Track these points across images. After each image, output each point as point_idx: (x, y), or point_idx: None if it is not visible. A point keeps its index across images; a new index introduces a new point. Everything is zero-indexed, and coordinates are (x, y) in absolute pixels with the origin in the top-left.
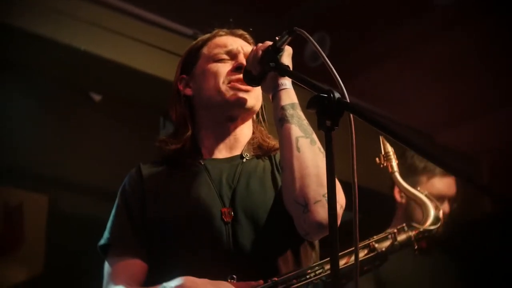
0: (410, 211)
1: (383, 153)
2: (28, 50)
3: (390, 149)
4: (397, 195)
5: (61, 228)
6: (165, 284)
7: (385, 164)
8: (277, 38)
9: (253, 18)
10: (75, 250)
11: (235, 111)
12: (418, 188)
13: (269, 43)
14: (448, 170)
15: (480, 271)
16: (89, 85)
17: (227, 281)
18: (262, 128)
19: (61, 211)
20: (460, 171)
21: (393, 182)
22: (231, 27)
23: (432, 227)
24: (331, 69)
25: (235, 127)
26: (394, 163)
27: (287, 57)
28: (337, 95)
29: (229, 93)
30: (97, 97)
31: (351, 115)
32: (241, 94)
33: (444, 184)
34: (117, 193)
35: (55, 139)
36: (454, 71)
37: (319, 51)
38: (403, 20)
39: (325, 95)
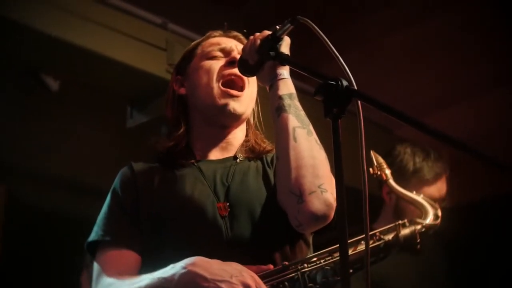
0: (400, 210)
1: (375, 164)
2: None
3: (381, 160)
4: (385, 197)
5: (18, 219)
6: (175, 264)
7: (378, 173)
8: (277, 27)
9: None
10: (32, 242)
11: (225, 119)
12: (414, 192)
13: (268, 32)
14: (462, 150)
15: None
16: (50, 70)
17: None
18: (258, 132)
19: (20, 201)
20: (476, 150)
21: (380, 185)
22: (225, 29)
23: (433, 222)
24: (337, 57)
25: (228, 133)
26: (388, 171)
27: (285, 47)
28: (344, 82)
29: (218, 97)
30: (55, 84)
31: (359, 103)
32: (231, 101)
33: (435, 189)
34: (78, 184)
35: (14, 127)
36: (427, 57)
37: (324, 39)
38: (370, 8)
39: (333, 82)
